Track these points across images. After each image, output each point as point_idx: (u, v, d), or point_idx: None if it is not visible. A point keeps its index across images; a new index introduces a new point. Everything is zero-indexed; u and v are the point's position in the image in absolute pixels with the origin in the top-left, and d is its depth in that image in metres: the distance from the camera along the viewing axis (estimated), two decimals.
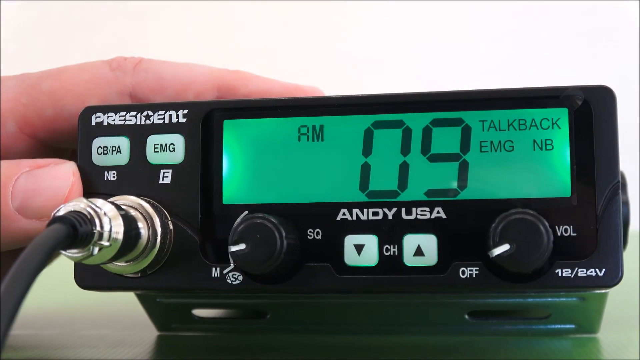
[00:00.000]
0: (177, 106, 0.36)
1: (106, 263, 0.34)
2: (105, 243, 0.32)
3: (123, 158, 0.36)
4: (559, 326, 0.42)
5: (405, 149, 0.35)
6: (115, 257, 0.33)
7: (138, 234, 0.34)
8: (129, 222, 0.33)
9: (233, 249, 0.33)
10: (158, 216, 0.35)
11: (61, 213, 0.30)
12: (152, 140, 0.36)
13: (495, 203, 0.34)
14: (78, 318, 0.51)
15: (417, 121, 0.35)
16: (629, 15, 1.34)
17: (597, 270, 0.33)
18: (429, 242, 0.34)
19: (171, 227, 0.35)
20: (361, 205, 0.35)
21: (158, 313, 0.45)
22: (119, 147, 0.36)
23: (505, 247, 0.31)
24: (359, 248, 0.34)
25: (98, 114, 0.37)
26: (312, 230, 0.35)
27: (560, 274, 0.33)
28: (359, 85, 1.31)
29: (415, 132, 0.35)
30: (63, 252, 0.31)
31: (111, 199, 0.34)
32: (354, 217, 0.34)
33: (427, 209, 0.34)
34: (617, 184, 0.33)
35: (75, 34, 1.45)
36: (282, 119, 0.36)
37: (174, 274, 0.35)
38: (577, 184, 0.33)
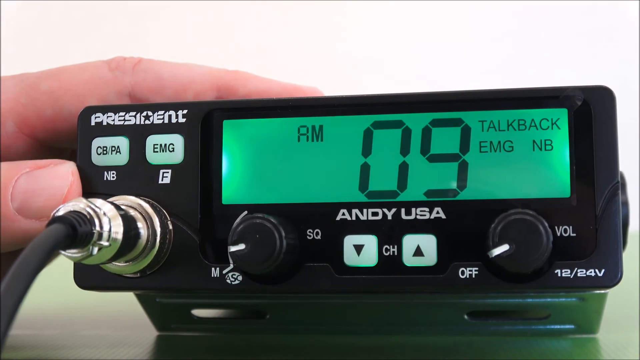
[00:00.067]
0: (176, 106, 0.36)
1: (105, 263, 0.34)
2: (104, 243, 0.32)
3: (122, 158, 0.36)
4: (558, 326, 0.42)
5: (405, 149, 0.35)
6: (115, 257, 0.33)
7: (137, 234, 0.34)
8: (129, 222, 0.33)
9: (232, 249, 0.33)
10: (157, 216, 0.35)
11: (60, 213, 0.30)
12: (152, 140, 0.36)
13: (495, 203, 0.34)
14: (78, 318, 0.51)
15: (416, 121, 0.35)
16: (629, 15, 1.34)
17: (597, 270, 0.33)
18: (428, 243, 0.34)
19: (170, 227, 0.35)
20: (361, 206, 0.35)
21: (157, 313, 0.45)
22: (118, 147, 0.36)
23: (504, 248, 0.31)
24: (358, 248, 0.34)
25: (97, 114, 0.37)
26: (311, 231, 0.35)
27: (559, 274, 0.33)
28: (359, 86, 1.31)
29: (414, 132, 0.35)
30: (62, 252, 0.31)
31: (110, 199, 0.34)
32: (354, 217, 0.34)
33: (427, 209, 0.34)
34: (617, 185, 0.33)
35: (75, 34, 1.45)
36: (281, 119, 0.36)
37: (173, 274, 0.35)
38: (576, 184, 0.33)
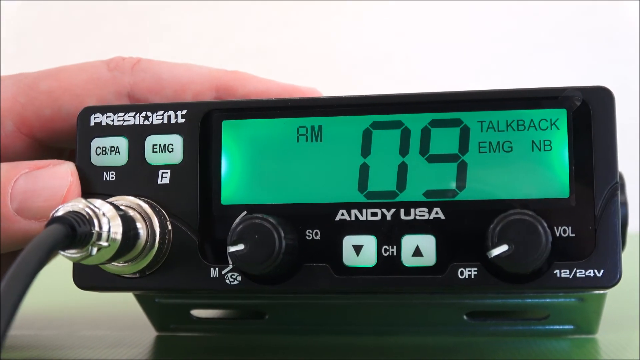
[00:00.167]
0: (175, 106, 0.36)
1: (105, 263, 0.34)
2: (103, 243, 0.32)
3: (122, 158, 0.36)
4: (557, 327, 0.42)
5: (404, 150, 0.35)
6: (114, 258, 0.33)
7: (137, 235, 0.34)
8: (128, 223, 0.33)
9: (232, 249, 0.33)
10: (157, 216, 0.35)
11: (60, 213, 0.30)
12: (151, 140, 0.36)
13: (494, 204, 0.34)
14: (77, 318, 0.51)
15: (415, 122, 0.35)
16: (629, 15, 1.34)
17: (596, 271, 0.33)
18: (427, 243, 0.34)
19: (170, 227, 0.35)
20: (360, 206, 0.35)
21: (157, 313, 0.45)
22: (117, 147, 0.36)
23: (503, 248, 0.31)
24: (357, 249, 0.34)
25: (97, 115, 0.37)
26: (310, 231, 0.35)
27: (558, 275, 0.33)
28: (359, 86, 1.31)
29: (413, 132, 0.35)
30: (62, 252, 0.31)
31: (110, 199, 0.34)
32: (353, 218, 0.34)
33: (426, 209, 0.34)
34: (616, 185, 0.33)
35: (75, 34, 1.45)
36: (280, 119, 0.36)
37: (172, 275, 0.35)
38: (575, 184, 0.33)
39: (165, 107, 0.36)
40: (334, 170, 0.35)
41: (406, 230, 0.34)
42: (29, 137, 0.40)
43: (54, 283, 0.52)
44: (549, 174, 0.34)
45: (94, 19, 1.46)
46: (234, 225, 0.33)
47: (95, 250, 0.31)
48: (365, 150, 0.35)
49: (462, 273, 0.33)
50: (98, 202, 0.32)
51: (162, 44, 1.41)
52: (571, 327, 0.42)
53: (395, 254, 0.34)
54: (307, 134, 0.35)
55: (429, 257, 0.34)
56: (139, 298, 0.43)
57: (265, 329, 0.44)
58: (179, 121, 0.36)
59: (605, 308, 0.40)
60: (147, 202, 0.35)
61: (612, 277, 0.33)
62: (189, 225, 0.35)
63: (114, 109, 0.37)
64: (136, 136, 0.36)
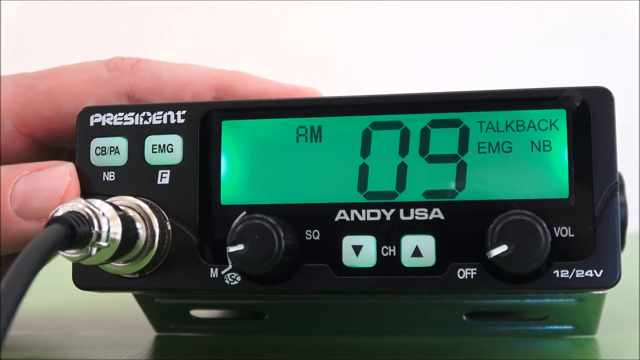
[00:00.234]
0: (175, 107, 0.36)
1: (104, 264, 0.34)
2: (103, 243, 0.32)
3: (121, 158, 0.36)
4: (556, 327, 0.42)
5: (404, 150, 0.35)
6: (114, 258, 0.33)
7: (136, 235, 0.34)
8: (127, 223, 0.33)
9: (231, 249, 0.33)
10: (156, 217, 0.35)
11: (59, 214, 0.30)
12: (151, 140, 0.36)
13: (493, 204, 0.34)
14: (76, 319, 0.51)
15: (415, 122, 0.35)
16: (629, 15, 1.34)
17: (595, 271, 0.33)
18: (427, 243, 0.34)
19: (169, 227, 0.35)
20: (359, 206, 0.35)
21: (156, 314, 0.45)
22: (117, 147, 0.36)
23: (503, 248, 0.31)
24: (357, 249, 0.34)
25: (96, 115, 0.37)
26: (310, 231, 0.35)
27: (558, 275, 0.33)
28: (359, 86, 1.31)
29: (413, 133, 0.35)
30: (61, 252, 0.31)
31: (109, 200, 0.34)
32: (352, 218, 0.34)
33: (425, 209, 0.34)
34: (615, 185, 0.33)
35: (75, 34, 1.45)
36: (280, 119, 0.36)
37: (172, 275, 0.35)
38: (575, 185, 0.33)
39: (164, 107, 0.36)
40: (333, 170, 0.35)
41: (406, 230, 0.34)
42: (28, 137, 0.40)
43: (53, 283, 0.52)
44: (549, 174, 0.34)
45: (94, 19, 1.46)
46: (233, 225, 0.33)
47: (94, 250, 0.31)
48: (365, 151, 0.35)
49: (461, 273, 0.33)
50: (97, 202, 0.32)
51: (162, 44, 1.41)
52: (570, 327, 0.42)
53: (394, 254, 0.34)
54: (307, 134, 0.35)
55: (429, 258, 0.34)
56: (138, 298, 0.43)
57: (264, 329, 0.44)
58: (178, 121, 0.36)
59: (604, 308, 0.40)
60: (147, 202, 0.35)
61: (611, 278, 0.33)
62: (189, 226, 0.35)
63: (114, 109, 0.37)
64: (136, 136, 0.36)
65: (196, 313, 0.45)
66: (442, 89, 0.36)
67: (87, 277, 0.36)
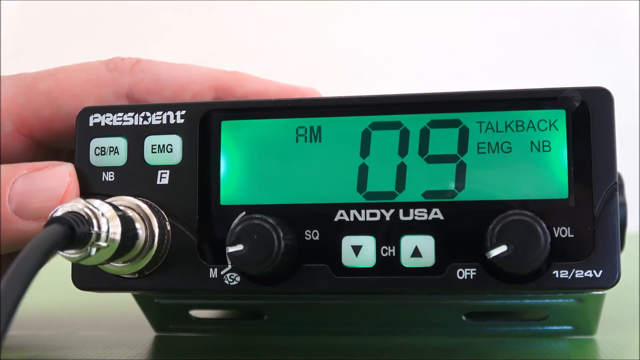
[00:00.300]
0: (174, 107, 0.36)
1: (104, 264, 0.34)
2: (102, 244, 0.32)
3: (121, 159, 0.36)
4: (556, 327, 0.42)
5: (403, 150, 0.35)
6: (113, 258, 0.33)
7: (135, 235, 0.34)
8: (127, 223, 0.33)
9: (231, 249, 0.33)
10: (155, 217, 0.35)
11: (59, 214, 0.30)
12: (150, 141, 0.36)
13: (493, 204, 0.34)
14: (76, 319, 0.51)
15: (414, 122, 0.35)
16: (629, 15, 1.34)
17: (595, 271, 0.33)
18: (426, 243, 0.34)
19: (169, 227, 0.35)
20: (359, 207, 0.35)
21: (155, 314, 0.45)
22: (116, 147, 0.36)
23: (502, 249, 0.31)
24: (356, 249, 0.34)
25: (96, 115, 0.37)
26: (309, 231, 0.35)
27: (557, 275, 0.33)
28: (359, 86, 1.31)
29: (412, 133, 0.35)
30: (60, 252, 0.31)
31: (109, 200, 0.34)
32: (352, 218, 0.34)
33: (425, 210, 0.34)
34: (615, 186, 0.33)
35: (75, 34, 1.45)
36: (279, 120, 0.36)
37: (171, 275, 0.35)
38: (574, 185, 0.33)
39: (164, 107, 0.36)
40: (333, 170, 0.35)
41: (405, 230, 0.34)
42: (28, 138, 0.40)
43: (53, 283, 0.52)
44: (548, 174, 0.34)
45: (94, 19, 1.46)
46: (233, 225, 0.33)
47: (94, 250, 0.31)
48: (365, 151, 0.35)
49: (461, 273, 0.33)
50: (97, 203, 0.32)
51: (162, 44, 1.41)
52: (570, 327, 0.42)
53: (394, 254, 0.34)
54: (306, 135, 0.35)
55: (428, 258, 0.34)
56: (137, 298, 0.43)
57: (264, 330, 0.44)
58: (178, 121, 0.36)
59: (604, 308, 0.40)
60: (146, 203, 0.35)
61: (611, 278, 0.33)
62: (188, 226, 0.35)
63: (113, 109, 0.37)
64: (135, 136, 0.36)
65: (195, 313, 0.45)
66: (442, 89, 0.36)
67: (87, 278, 0.36)
